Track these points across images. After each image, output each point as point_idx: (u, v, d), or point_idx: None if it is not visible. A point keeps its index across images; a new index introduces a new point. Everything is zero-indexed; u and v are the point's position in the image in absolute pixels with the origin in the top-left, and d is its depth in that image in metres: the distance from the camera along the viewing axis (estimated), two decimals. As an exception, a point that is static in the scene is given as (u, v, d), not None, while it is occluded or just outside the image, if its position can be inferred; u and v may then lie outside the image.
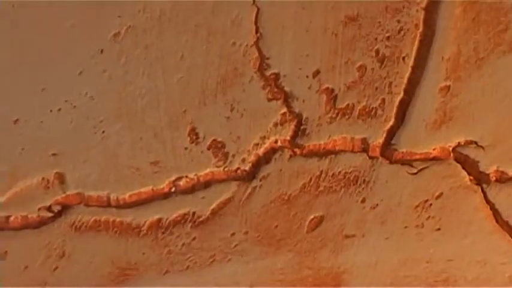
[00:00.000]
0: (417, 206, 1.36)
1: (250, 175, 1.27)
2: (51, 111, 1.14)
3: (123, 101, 1.18)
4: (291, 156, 1.27)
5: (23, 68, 1.14)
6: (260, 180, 1.29)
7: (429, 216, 1.37)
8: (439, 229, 1.39)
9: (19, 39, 1.14)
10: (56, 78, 1.14)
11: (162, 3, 1.13)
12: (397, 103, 1.25)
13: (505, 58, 1.23)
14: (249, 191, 1.29)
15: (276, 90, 1.22)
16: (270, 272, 1.41)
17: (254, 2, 1.13)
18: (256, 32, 1.15)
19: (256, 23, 1.14)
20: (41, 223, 1.23)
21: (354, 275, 1.44)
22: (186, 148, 1.22)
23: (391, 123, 1.27)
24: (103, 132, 1.20)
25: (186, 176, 1.25)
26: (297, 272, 1.41)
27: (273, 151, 1.26)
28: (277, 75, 1.20)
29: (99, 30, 1.13)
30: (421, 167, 1.32)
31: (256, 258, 1.38)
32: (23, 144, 1.17)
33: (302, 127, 1.26)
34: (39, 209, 1.22)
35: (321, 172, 1.30)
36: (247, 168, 1.27)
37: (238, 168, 1.27)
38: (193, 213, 1.29)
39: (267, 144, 1.26)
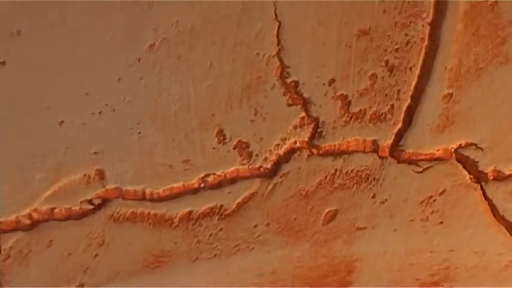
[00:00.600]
0: (422, 202, 1.43)
1: (272, 172, 1.34)
2: (93, 114, 1.21)
3: (158, 106, 1.24)
4: (308, 155, 1.34)
5: (68, 74, 1.21)
6: (280, 177, 1.35)
7: (433, 211, 1.44)
8: (441, 222, 1.46)
9: (66, 49, 1.20)
10: (98, 84, 1.21)
11: (192, 18, 1.19)
12: (404, 108, 1.33)
13: (502, 68, 1.31)
14: (270, 187, 1.35)
15: (295, 96, 1.29)
16: (289, 260, 1.45)
17: (276, 17, 1.20)
18: (278, 44, 1.22)
19: (278, 36, 1.22)
20: (82, 215, 1.28)
21: (365, 263, 1.48)
22: (214, 148, 1.29)
23: (399, 126, 1.35)
24: (139, 133, 1.26)
25: (214, 173, 1.31)
26: (313, 260, 1.46)
27: (292, 151, 1.34)
28: (296, 83, 1.28)
29: (136, 41, 1.19)
30: (425, 166, 1.39)
31: (276, 248, 1.44)
32: (67, 144, 1.23)
33: (319, 130, 1.33)
34: (81, 202, 1.28)
35: (336, 170, 1.37)
36: (269, 166, 1.34)
37: (261, 166, 1.34)
38: (220, 206, 1.35)
39: (287, 144, 1.33)
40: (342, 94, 1.31)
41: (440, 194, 1.44)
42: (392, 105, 1.34)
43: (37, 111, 1.22)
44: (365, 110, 1.34)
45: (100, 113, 1.21)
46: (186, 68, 1.21)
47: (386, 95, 1.33)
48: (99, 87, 1.21)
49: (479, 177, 1.43)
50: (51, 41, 1.17)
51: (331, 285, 1.52)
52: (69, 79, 1.21)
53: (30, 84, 1.20)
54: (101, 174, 1.28)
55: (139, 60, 1.19)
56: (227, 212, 1.37)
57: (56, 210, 1.27)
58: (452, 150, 1.39)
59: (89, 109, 1.21)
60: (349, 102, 1.32)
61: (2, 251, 1.28)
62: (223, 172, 1.33)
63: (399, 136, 1.36)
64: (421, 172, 1.40)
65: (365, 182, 1.41)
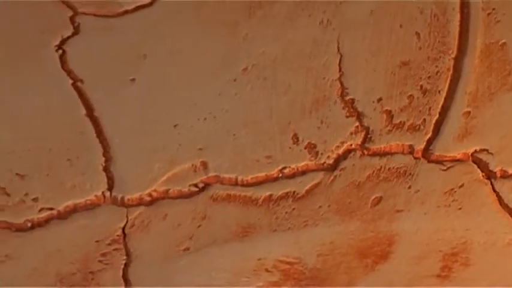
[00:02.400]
0: (446, 192, 1.57)
1: (333, 167, 1.50)
2: (199, 119, 1.39)
3: (248, 115, 1.41)
4: (360, 155, 1.52)
5: (182, 89, 1.40)
6: (339, 171, 1.51)
7: (454, 200, 1.59)
8: (460, 208, 1.59)
9: (181, 70, 1.39)
10: (204, 98, 1.38)
11: (276, 50, 1.38)
12: (433, 122, 1.51)
13: (509, 94, 1.51)
14: (331, 178, 1.51)
15: (351, 110, 1.47)
16: (344, 234, 1.57)
17: (338, 50, 1.39)
18: (339, 70, 1.42)
19: (339, 64, 1.41)
20: (190, 195, 1.45)
21: (402, 238, 1.60)
22: (289, 147, 1.45)
23: (429, 135, 1.53)
24: (234, 135, 1.42)
25: (289, 166, 1.48)
26: (362, 234, 1.57)
27: (348, 151, 1.51)
28: (352, 100, 1.46)
29: (233, 66, 1.38)
30: (449, 166, 1.55)
31: (335, 224, 1.55)
32: (180, 141, 1.41)
33: (369, 136, 1.51)
34: (189, 185, 1.45)
35: (381, 167, 1.53)
36: (331, 162, 1.50)
37: (324, 162, 1.50)
38: (294, 192, 1.51)
39: (345, 146, 1.50)
40: (387, 109, 1.50)
41: (460, 187, 1.57)
42: (424, 119, 1.52)
43: (158, 117, 1.39)
44: (404, 122, 1.52)
45: (205, 119, 1.39)
46: (270, 86, 1.40)
47: (420, 111, 1.51)
48: (205, 100, 1.38)
49: (490, 175, 1.58)
50: (169, 63, 1.38)
51: (376, 254, 1.59)
52: (182, 92, 1.39)
53: (153, 96, 1.39)
54: (204, 165, 1.45)
55: (235, 80, 1.38)
56: (298, 196, 1.51)
57: (170, 191, 1.43)
58: (469, 154, 1.56)
59: (196, 116, 1.40)
60: (392, 115, 1.51)
61: (129, 221, 1.43)
62: (296, 166, 1.49)
63: (429, 142, 1.53)
64: (445, 170, 1.56)
65: (403, 176, 1.55)
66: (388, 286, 1.62)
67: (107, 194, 1.42)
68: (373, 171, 1.52)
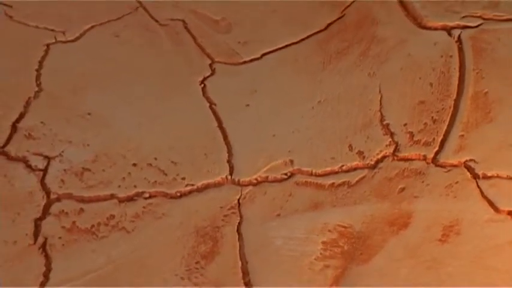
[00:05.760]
0: (446, 186, 1.72)
1: (373, 166, 1.73)
2: (289, 132, 1.74)
3: (321, 131, 1.74)
4: (392, 160, 1.74)
5: (280, 112, 1.76)
6: (378, 169, 1.73)
7: (451, 191, 1.71)
8: (455, 197, 1.71)
9: (277, 100, 1.77)
10: (293, 118, 1.76)
11: (339, 90, 1.77)
12: (439, 140, 1.76)
13: (489, 124, 1.78)
14: (372, 174, 1.71)
15: (387, 130, 1.77)
16: (379, 210, 1.69)
17: (380, 91, 1.79)
18: (380, 104, 1.79)
19: (380, 100, 1.80)
20: (281, 180, 1.70)
21: (418, 214, 1.69)
22: (346, 153, 1.74)
23: (436, 149, 1.76)
24: (311, 143, 1.71)
25: (346, 165, 1.73)
26: (391, 210, 1.68)
27: (384, 157, 1.74)
28: (388, 124, 1.77)
29: (312, 99, 1.80)
30: (449, 169, 1.74)
31: (374, 203, 1.70)
32: (276, 146, 1.72)
33: (397, 148, 1.75)
34: (281, 174, 1.71)
35: (405, 168, 1.73)
36: (372, 163, 1.73)
37: (368, 163, 1.73)
38: (348, 181, 1.71)
39: (382, 154, 1.75)
40: (410, 131, 1.76)
41: (456, 183, 1.72)
42: (434, 138, 1.76)
43: (263, 130, 1.76)
44: (420, 139, 1.75)
45: (293, 132, 1.76)
46: (335, 113, 1.78)
47: (431, 133, 1.76)
48: (293, 120, 1.76)
49: (475, 176, 1.74)
50: (271, 96, 1.79)
51: (399, 224, 1.64)
52: (279, 115, 1.77)
53: (260, 116, 1.79)
54: (291, 162, 1.73)
55: (313, 108, 1.78)
56: (351, 184, 1.71)
57: (269, 177, 1.70)
58: (462, 162, 1.75)
59: (288, 130, 1.76)
60: (413, 135, 1.75)
61: (242, 195, 1.66)
62: (350, 164, 1.73)
63: (436, 154, 1.76)
64: (446, 172, 1.73)
65: (418, 175, 1.72)
66: (406, 245, 1.63)
67: (229, 177, 1.71)
68: (399, 170, 1.74)
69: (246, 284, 1.60)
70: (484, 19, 1.98)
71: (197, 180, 1.73)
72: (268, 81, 1.85)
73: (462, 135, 1.81)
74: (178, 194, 1.71)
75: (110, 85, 1.84)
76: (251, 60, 1.90)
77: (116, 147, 1.75)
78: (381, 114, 1.83)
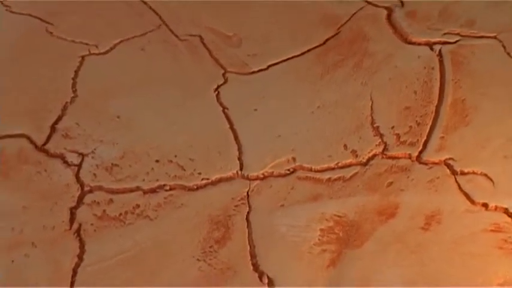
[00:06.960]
0: (428, 181, 1.84)
1: (365, 164, 1.86)
2: (292, 133, 1.84)
3: (319, 132, 1.86)
4: (381, 158, 1.87)
5: (284, 116, 1.86)
6: (369, 166, 1.86)
7: (433, 185, 1.82)
8: (436, 190, 1.82)
9: (277, 110, 1.86)
10: (295, 121, 1.87)
11: (336, 97, 1.88)
12: (423, 141, 1.89)
13: (466, 127, 1.88)
14: (364, 170, 1.84)
15: (377, 132, 1.89)
16: (370, 201, 1.79)
17: (371, 98, 1.92)
18: (371, 109, 1.92)
19: (371, 106, 1.93)
20: (285, 175, 1.80)
21: (404, 205, 1.78)
22: (341, 152, 1.87)
23: (420, 148, 1.88)
24: (311, 144, 1.83)
25: (341, 162, 1.85)
26: (380, 202, 1.77)
27: (374, 155, 1.88)
28: (378, 127, 1.90)
29: (311, 104, 1.88)
30: (431, 166, 1.86)
31: (365, 196, 1.81)
32: (280, 145, 1.82)
33: (386, 147, 1.88)
34: (285, 170, 1.82)
35: (392, 165, 1.86)
36: (364, 161, 1.86)
37: (360, 161, 1.86)
38: (343, 176, 1.82)
39: (372, 152, 1.88)
40: (397, 133, 1.89)
41: (437, 178, 1.84)
42: (418, 139, 1.89)
43: (268, 131, 1.87)
44: (406, 140, 1.88)
45: (295, 133, 1.88)
46: (332, 117, 1.91)
47: (415, 135, 1.89)
48: (296, 123, 1.87)
49: (454, 173, 1.86)
50: (277, 102, 1.91)
51: (387, 213, 1.71)
52: (283, 118, 1.89)
53: (267, 119, 1.89)
54: (294, 159, 1.86)
55: (312, 113, 1.90)
56: (346, 179, 1.84)
57: (274, 172, 1.83)
58: (443, 160, 1.87)
59: (291, 131, 1.85)
60: (400, 136, 1.88)
61: (250, 188, 1.77)
62: (345, 162, 1.86)
63: (420, 152, 1.89)
64: (429, 169, 1.86)
65: (405, 171, 1.84)
66: (393, 232, 1.68)
67: (239, 172, 1.83)
68: (388, 167, 1.87)
69: (253, 264, 1.70)
70: (461, 36, 2.09)
71: (211, 175, 1.84)
72: (274, 89, 1.96)
73: (442, 137, 1.93)
74: (195, 187, 1.82)
75: (136, 92, 1.96)
76: (259, 71, 2.02)
77: (141, 145, 1.86)
78: (372, 118, 1.95)
